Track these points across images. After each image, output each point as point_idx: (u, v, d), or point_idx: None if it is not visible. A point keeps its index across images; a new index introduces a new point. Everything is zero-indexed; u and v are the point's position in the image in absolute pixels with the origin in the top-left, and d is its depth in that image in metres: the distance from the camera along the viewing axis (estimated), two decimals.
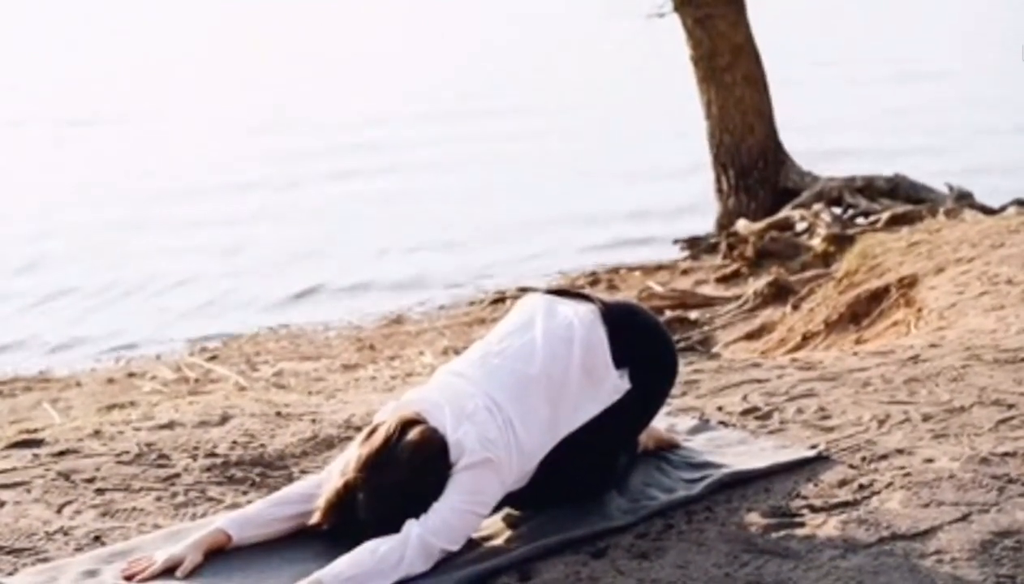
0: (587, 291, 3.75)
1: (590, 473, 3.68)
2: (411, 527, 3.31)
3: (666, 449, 4.03)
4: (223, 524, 3.48)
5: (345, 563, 3.25)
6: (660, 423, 4.20)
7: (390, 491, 3.35)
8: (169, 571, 3.37)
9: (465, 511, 3.38)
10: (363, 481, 3.37)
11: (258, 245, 13.21)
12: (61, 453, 4.34)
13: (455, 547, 3.38)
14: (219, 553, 3.45)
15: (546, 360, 3.56)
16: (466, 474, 3.38)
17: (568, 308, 3.69)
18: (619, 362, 3.63)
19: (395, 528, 3.33)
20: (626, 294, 10.55)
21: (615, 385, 3.63)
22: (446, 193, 15.19)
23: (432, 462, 3.39)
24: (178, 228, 13.88)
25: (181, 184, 15.90)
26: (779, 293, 9.58)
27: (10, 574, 3.47)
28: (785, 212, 11.74)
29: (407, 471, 3.37)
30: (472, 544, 3.47)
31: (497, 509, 3.58)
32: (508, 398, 3.50)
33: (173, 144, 18.53)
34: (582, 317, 3.65)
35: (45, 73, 25.20)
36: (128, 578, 3.37)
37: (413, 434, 3.40)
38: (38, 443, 4.47)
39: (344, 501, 3.38)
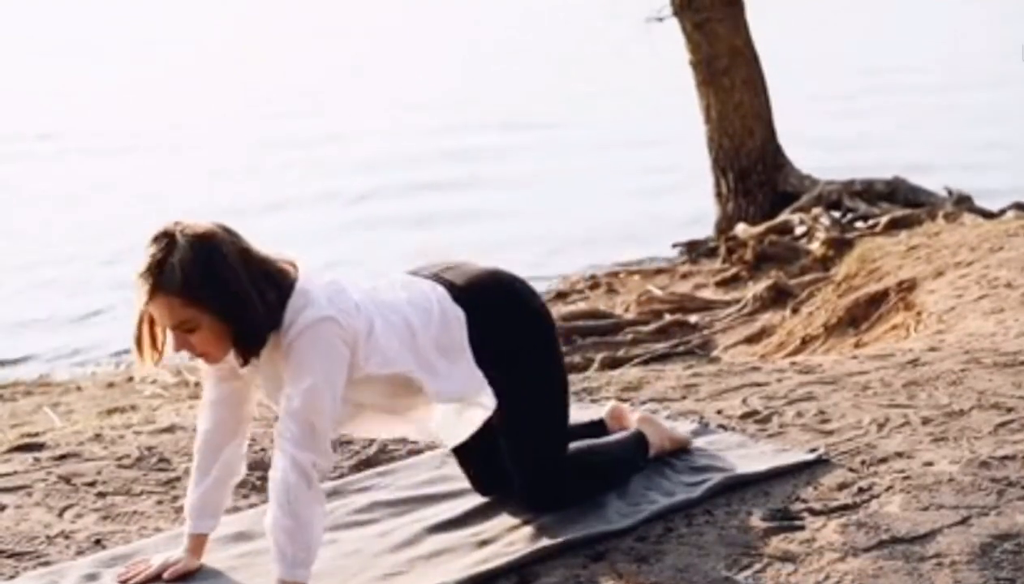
0: (440, 272, 3.56)
1: (538, 459, 3.58)
2: (277, 467, 3.15)
3: (681, 450, 4.03)
4: (195, 529, 3.45)
5: (287, 547, 3.12)
6: (665, 426, 4.21)
7: (213, 264, 3.10)
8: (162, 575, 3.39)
9: (313, 394, 3.15)
10: (201, 235, 3.12)
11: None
12: (62, 457, 4.35)
13: (322, 451, 3.18)
14: (213, 554, 3.48)
15: (409, 316, 3.39)
16: (304, 340, 3.16)
17: (426, 284, 3.52)
18: (481, 346, 3.45)
19: (189, 298, 3.08)
20: (625, 298, 10.57)
21: (474, 378, 3.44)
22: (444, 195, 15.19)
23: (273, 275, 3.19)
24: None
25: (186, 191, 15.89)
26: (778, 297, 9.58)
27: (11, 578, 3.48)
28: (784, 216, 11.75)
29: (246, 262, 3.15)
30: (471, 547, 3.48)
31: (484, 514, 3.57)
32: (376, 311, 3.34)
33: (173, 161, 18.51)
34: (439, 296, 3.48)
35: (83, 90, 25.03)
36: (124, 582, 3.38)
37: (270, 251, 3.26)
38: (39, 447, 4.48)
39: (164, 239, 3.11)
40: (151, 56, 28.67)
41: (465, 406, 3.52)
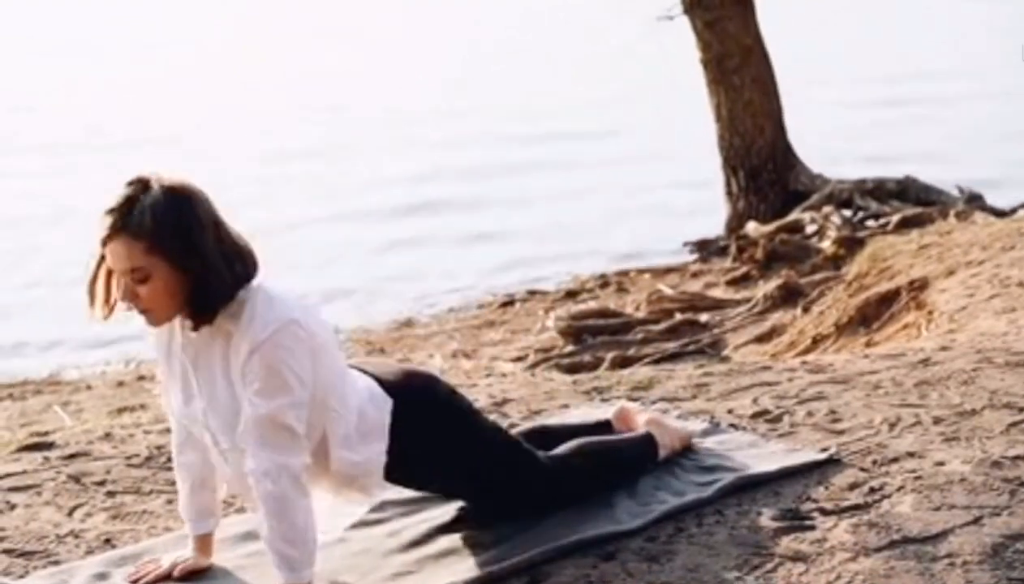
0: (359, 365, 3.46)
1: (502, 491, 3.54)
2: (264, 478, 3.06)
3: (688, 447, 4.01)
4: (195, 530, 3.42)
5: (291, 552, 3.09)
6: (673, 425, 4.20)
7: (184, 216, 3.03)
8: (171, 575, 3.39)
9: (291, 408, 3.08)
10: (177, 186, 3.05)
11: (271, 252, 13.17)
12: (72, 456, 4.35)
13: (304, 451, 3.12)
14: (223, 554, 3.48)
15: (343, 374, 3.30)
16: (271, 345, 3.06)
17: (351, 370, 3.40)
18: (404, 438, 3.33)
19: (152, 244, 2.99)
20: (635, 297, 10.56)
21: (378, 464, 3.30)
22: (454, 195, 15.18)
23: (239, 248, 3.10)
24: None
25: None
26: (789, 296, 9.57)
27: (21, 577, 3.48)
28: (795, 214, 11.73)
29: (216, 225, 3.07)
30: (481, 546, 3.47)
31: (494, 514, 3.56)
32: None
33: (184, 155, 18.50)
34: (368, 382, 3.37)
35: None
36: (134, 582, 3.38)
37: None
38: (49, 446, 4.48)
39: (138, 183, 3.04)
40: (151, 58, 28.55)
41: (346, 500, 3.39)
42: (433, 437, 3.40)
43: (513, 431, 3.90)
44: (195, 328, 3.14)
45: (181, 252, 3.03)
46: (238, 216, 3.17)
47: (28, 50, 30.05)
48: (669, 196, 14.33)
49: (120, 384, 9.25)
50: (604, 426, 4.05)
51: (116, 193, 3.06)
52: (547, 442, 3.76)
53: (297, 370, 3.11)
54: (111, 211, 3.04)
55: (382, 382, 3.37)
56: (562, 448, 3.72)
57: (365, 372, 3.40)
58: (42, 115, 22.39)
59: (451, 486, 3.58)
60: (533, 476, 3.60)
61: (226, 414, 3.16)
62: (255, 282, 3.14)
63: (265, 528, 3.13)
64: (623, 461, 3.84)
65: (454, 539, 3.54)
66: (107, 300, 3.14)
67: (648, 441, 3.92)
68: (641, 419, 4.04)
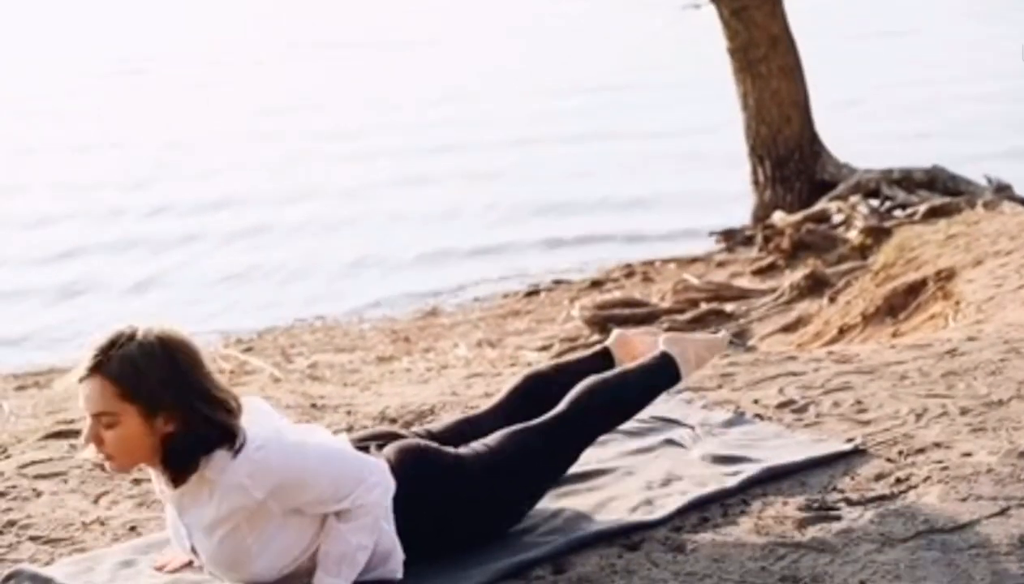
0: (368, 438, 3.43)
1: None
2: (373, 514, 3.13)
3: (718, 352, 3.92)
4: None
5: (362, 563, 3.13)
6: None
7: (164, 366, 2.99)
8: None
9: (336, 485, 3.09)
10: (163, 336, 3.03)
11: (292, 242, 13.21)
12: None
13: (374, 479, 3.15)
14: None
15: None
16: (261, 459, 3.06)
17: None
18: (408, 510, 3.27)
19: (125, 389, 2.96)
20: (661, 287, 10.54)
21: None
22: (481, 182, 15.17)
23: (224, 400, 3.06)
24: (210, 223, 13.93)
25: (208, 182, 15.89)
26: (815, 286, 9.53)
27: (47, 564, 3.49)
28: (822, 204, 11.68)
29: (201, 377, 3.04)
30: (506, 537, 3.47)
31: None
32: None
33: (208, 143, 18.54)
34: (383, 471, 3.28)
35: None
36: (160, 569, 3.39)
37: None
38: (75, 434, 4.50)
39: (124, 333, 3.02)
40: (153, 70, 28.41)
41: None
42: (438, 503, 3.34)
43: (507, 386, 3.80)
44: (175, 484, 3.10)
45: (156, 404, 2.99)
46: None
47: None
48: (695, 185, 14.29)
49: None
50: (603, 357, 3.86)
51: (102, 334, 3.04)
52: (547, 389, 3.67)
53: (300, 463, 3.09)
54: (92, 350, 3.01)
55: (392, 463, 3.28)
56: (570, 394, 3.58)
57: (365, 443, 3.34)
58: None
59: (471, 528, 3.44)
60: (541, 454, 3.51)
61: (218, 559, 3.17)
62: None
63: (366, 539, 3.12)
64: (638, 390, 3.70)
65: None
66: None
67: (666, 362, 3.73)
68: (649, 341, 3.82)
